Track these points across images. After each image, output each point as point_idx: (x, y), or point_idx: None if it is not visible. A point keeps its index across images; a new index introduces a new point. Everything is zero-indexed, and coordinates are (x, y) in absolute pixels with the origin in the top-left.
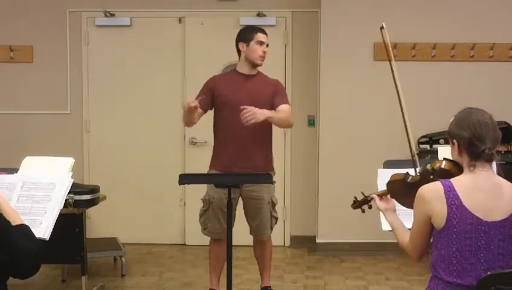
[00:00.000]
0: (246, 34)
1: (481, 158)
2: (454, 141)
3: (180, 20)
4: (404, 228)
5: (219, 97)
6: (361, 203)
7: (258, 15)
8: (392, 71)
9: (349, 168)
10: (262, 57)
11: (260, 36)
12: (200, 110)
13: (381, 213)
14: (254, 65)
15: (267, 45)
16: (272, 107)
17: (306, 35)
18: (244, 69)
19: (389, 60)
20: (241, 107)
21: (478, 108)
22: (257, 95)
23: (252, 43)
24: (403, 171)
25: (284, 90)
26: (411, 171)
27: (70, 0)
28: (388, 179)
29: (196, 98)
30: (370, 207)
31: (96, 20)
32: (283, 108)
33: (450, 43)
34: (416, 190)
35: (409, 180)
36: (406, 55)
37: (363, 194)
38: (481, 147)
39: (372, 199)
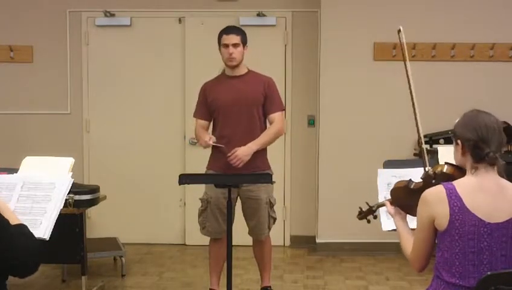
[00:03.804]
0: (218, 39)
1: (484, 161)
2: (459, 141)
3: (180, 20)
4: (411, 237)
5: (211, 102)
6: (367, 213)
7: (258, 15)
8: (407, 72)
9: (349, 168)
10: (230, 59)
11: (224, 38)
12: (206, 123)
13: (381, 213)
14: (230, 67)
15: (235, 44)
16: (264, 108)
17: (306, 35)
18: (229, 71)
19: (404, 61)
20: (228, 155)
21: (486, 111)
22: (246, 94)
23: (221, 48)
24: (403, 171)
25: (277, 90)
26: (414, 178)
27: (70, 0)
28: (388, 179)
29: (196, 112)
30: (375, 217)
31: (96, 20)
32: (273, 118)
33: (450, 43)
34: (419, 196)
35: (412, 186)
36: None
37: (367, 204)
38: (485, 150)
39: (377, 208)
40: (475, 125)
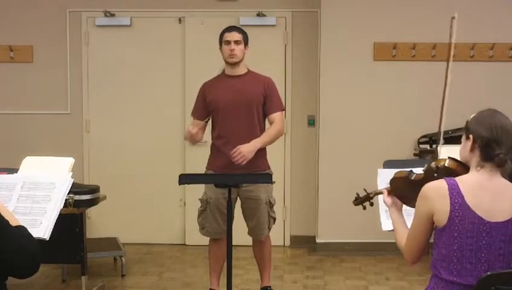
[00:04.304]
0: (219, 39)
1: (492, 161)
2: (471, 136)
3: (180, 20)
4: (405, 229)
5: (210, 102)
6: (363, 200)
7: (258, 15)
8: (448, 64)
9: (349, 168)
10: (232, 55)
11: (226, 36)
12: (202, 123)
13: (381, 213)
14: (231, 64)
15: (237, 41)
16: (264, 108)
17: (306, 35)
18: (228, 70)
19: (449, 50)
20: (231, 152)
21: (502, 112)
22: (246, 95)
23: (222, 45)
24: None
25: (276, 90)
26: (415, 170)
27: (70, 0)
28: (388, 179)
29: (194, 111)
30: (372, 204)
31: (96, 20)
32: (273, 119)
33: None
34: (419, 188)
35: (412, 178)
36: (406, 55)
37: (365, 191)
38: (496, 150)
39: (374, 195)
40: (491, 124)
